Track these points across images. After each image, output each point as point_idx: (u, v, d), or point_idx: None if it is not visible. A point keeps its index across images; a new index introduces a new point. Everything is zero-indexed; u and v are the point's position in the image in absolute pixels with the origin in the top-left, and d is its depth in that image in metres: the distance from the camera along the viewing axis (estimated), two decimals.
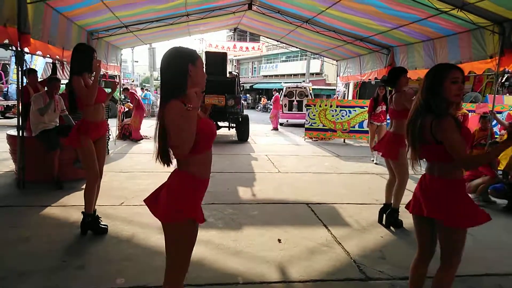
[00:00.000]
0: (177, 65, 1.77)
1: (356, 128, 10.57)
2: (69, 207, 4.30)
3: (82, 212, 3.53)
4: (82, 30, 7.47)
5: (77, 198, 4.62)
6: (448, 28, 6.68)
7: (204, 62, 11.34)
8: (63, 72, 7.11)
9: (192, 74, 1.79)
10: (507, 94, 12.05)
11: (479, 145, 5.53)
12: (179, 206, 1.74)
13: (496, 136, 7.66)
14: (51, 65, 7.84)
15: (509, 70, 7.09)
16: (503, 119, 7.50)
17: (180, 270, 1.84)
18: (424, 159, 2.14)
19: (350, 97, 13.57)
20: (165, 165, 1.81)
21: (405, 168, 3.83)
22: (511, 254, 3.51)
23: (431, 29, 7.04)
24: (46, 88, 5.39)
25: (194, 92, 1.67)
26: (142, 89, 23.07)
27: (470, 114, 8.04)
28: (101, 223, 3.60)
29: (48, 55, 5.92)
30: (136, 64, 39.63)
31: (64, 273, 2.81)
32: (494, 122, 7.31)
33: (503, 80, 12.97)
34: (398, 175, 3.89)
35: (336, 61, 13.49)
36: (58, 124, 5.39)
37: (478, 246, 3.65)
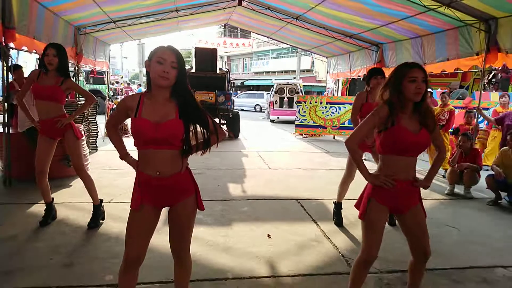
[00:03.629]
0: None
1: (346, 124, 10.65)
2: (56, 204, 4.22)
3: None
4: (69, 25, 7.36)
5: (64, 196, 4.57)
6: (436, 25, 6.77)
7: (194, 59, 11.28)
8: None
9: (148, 70, 1.86)
10: (494, 91, 12.25)
11: (463, 134, 5.63)
12: (132, 196, 1.97)
13: (480, 129, 7.82)
14: (38, 60, 7.71)
15: (496, 67, 7.22)
16: (489, 115, 7.64)
17: (125, 245, 1.93)
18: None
19: (339, 94, 13.67)
20: None
21: None
22: (496, 247, 3.59)
23: (419, 26, 7.12)
24: None
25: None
26: (140, 85, 22.81)
27: (456, 110, 8.17)
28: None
29: (34, 51, 5.81)
30: (125, 60, 39.21)
31: (52, 271, 2.78)
32: (481, 118, 7.45)
33: (490, 77, 13.19)
34: None
35: (326, 58, 13.54)
36: None
37: (463, 240, 3.73)
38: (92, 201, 3.70)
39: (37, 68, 7.90)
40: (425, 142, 2.08)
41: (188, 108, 1.88)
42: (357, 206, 2.24)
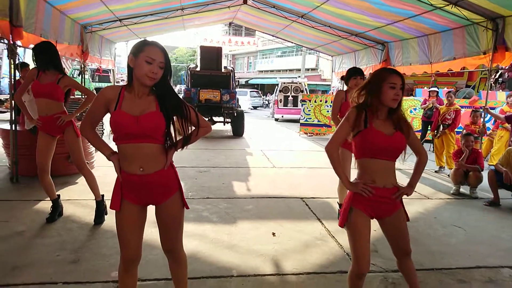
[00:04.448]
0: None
1: None
2: (63, 201, 4.24)
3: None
4: (75, 23, 7.41)
5: (70, 193, 4.61)
6: (443, 24, 6.72)
7: (199, 57, 11.30)
8: None
9: (132, 66, 1.80)
10: (500, 90, 12.15)
11: (467, 134, 5.60)
12: (111, 197, 1.91)
13: (488, 131, 7.76)
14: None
15: (502, 66, 7.16)
16: None
17: (120, 247, 1.93)
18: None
19: None
20: None
21: None
22: (502, 247, 3.56)
23: (425, 25, 7.07)
24: None
25: None
26: None
27: (463, 110, 8.12)
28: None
29: None
30: None
31: (58, 267, 2.81)
32: (488, 117, 7.39)
33: (496, 76, 13.09)
34: None
35: (331, 56, 13.50)
36: None
37: (469, 240, 3.71)
38: (95, 199, 3.73)
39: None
40: (400, 144, 2.03)
41: (167, 101, 1.84)
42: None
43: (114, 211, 1.91)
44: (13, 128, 4.95)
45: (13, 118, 4.97)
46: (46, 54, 3.47)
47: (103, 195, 3.78)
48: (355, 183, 2.06)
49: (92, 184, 3.69)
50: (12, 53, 4.79)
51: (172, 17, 9.41)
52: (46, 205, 4.13)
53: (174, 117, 1.86)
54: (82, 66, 8.19)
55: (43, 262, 2.86)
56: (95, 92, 3.84)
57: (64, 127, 3.55)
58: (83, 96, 7.44)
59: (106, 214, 3.76)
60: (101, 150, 1.95)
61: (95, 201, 3.73)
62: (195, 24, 12.59)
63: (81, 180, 5.17)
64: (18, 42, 4.93)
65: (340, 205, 4.05)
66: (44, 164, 3.57)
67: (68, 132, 3.58)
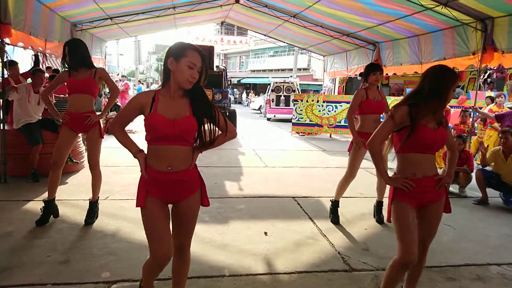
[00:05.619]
0: (164, 58, 1.89)
1: (342, 123, 10.67)
2: None
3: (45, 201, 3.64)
4: (65, 21, 7.32)
5: (60, 193, 4.52)
6: (433, 25, 6.80)
7: None
8: (43, 63, 6.95)
9: (172, 69, 1.84)
10: (489, 90, 12.33)
11: (458, 137, 5.68)
12: (136, 194, 1.93)
13: (476, 131, 7.88)
14: (34, 57, 7.66)
15: (491, 67, 7.27)
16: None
17: (150, 244, 1.93)
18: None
19: (336, 93, 13.69)
20: None
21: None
22: (489, 245, 3.62)
23: (416, 26, 7.15)
24: (30, 80, 5.27)
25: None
26: (140, 81, 22.59)
27: (452, 110, 8.23)
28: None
29: (30, 47, 5.78)
30: (121, 57, 38.93)
31: (48, 268, 2.77)
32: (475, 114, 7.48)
33: (485, 77, 13.27)
34: None
35: (323, 56, 13.57)
36: (41, 118, 5.28)
37: (458, 238, 3.76)
38: (90, 198, 3.70)
39: (32, 65, 7.88)
40: (444, 139, 2.16)
41: (201, 106, 1.91)
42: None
43: (140, 211, 1.94)
44: (1, 128, 4.87)
45: (1, 118, 4.89)
46: (77, 53, 3.44)
47: (53, 198, 3.67)
48: (396, 178, 2.13)
49: (97, 184, 3.68)
50: (0, 51, 4.72)
51: (163, 16, 9.36)
52: (35, 205, 4.08)
53: (205, 120, 1.94)
54: None
55: (33, 263, 2.82)
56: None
57: (91, 126, 3.55)
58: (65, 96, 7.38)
59: (96, 217, 3.72)
60: (128, 148, 1.97)
61: (89, 201, 3.69)
62: (187, 23, 12.54)
63: (71, 180, 5.12)
64: (7, 40, 4.85)
65: (333, 202, 4.02)
66: (59, 160, 3.53)
67: (93, 132, 3.57)
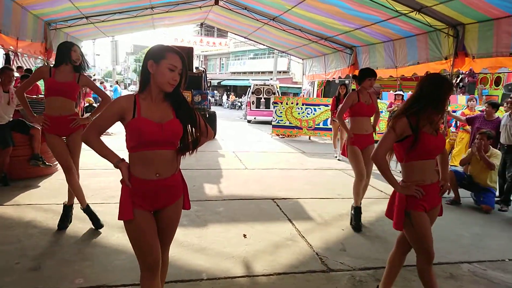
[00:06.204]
0: (143, 60, 1.84)
1: (321, 125, 10.81)
2: (23, 206, 4.08)
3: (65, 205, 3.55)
4: (38, 19, 7.09)
5: (31, 197, 4.39)
6: (407, 30, 6.99)
7: None
8: (12, 63, 6.70)
9: (153, 72, 1.80)
10: (461, 94, 12.78)
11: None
12: (119, 207, 1.82)
13: (452, 131, 8.14)
14: (4, 55, 7.38)
15: (463, 71, 7.54)
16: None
17: (141, 255, 1.85)
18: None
19: (315, 95, 13.85)
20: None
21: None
22: (461, 244, 3.75)
23: (391, 31, 7.33)
24: None
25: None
26: (117, 82, 22.05)
27: None
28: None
29: (0, 45, 5.56)
30: (98, 57, 38.08)
31: (17, 275, 2.66)
32: (451, 120, 7.74)
33: (457, 81, 13.76)
34: None
35: (302, 59, 13.71)
36: (12, 119, 5.07)
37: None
38: (64, 202, 3.58)
39: (3, 63, 7.58)
40: (444, 143, 2.28)
41: (182, 109, 1.89)
42: (388, 215, 2.33)
43: (124, 223, 1.84)
44: None
45: None
46: (61, 51, 3.34)
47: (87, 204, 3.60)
48: (407, 186, 2.19)
49: (80, 189, 3.53)
50: None
51: (141, 16, 9.22)
52: (5, 210, 3.92)
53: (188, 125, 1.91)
54: (46, 64, 7.84)
55: (0, 271, 2.70)
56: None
57: (75, 129, 3.42)
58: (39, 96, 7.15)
59: (70, 222, 3.60)
60: (107, 158, 1.84)
61: (63, 205, 3.57)
62: (165, 23, 12.40)
63: (43, 184, 4.95)
64: None
65: (355, 208, 3.96)
66: (69, 163, 3.37)
67: (78, 134, 3.44)
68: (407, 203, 2.19)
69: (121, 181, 1.82)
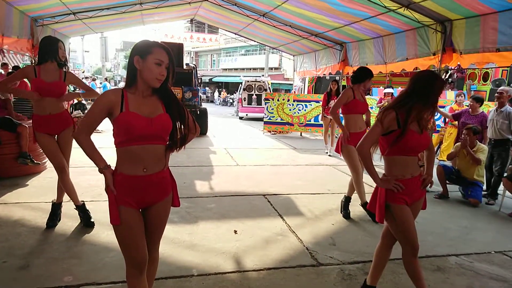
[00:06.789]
0: (129, 57, 1.83)
1: (312, 122, 10.85)
2: (11, 204, 4.03)
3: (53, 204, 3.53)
4: (24, 15, 6.97)
5: (19, 195, 4.34)
6: (396, 26, 7.04)
7: None
8: None
9: (139, 68, 1.79)
10: (450, 90, 12.93)
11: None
12: (109, 210, 1.80)
13: (438, 128, 8.24)
14: None
15: (451, 67, 7.61)
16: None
17: (128, 253, 1.85)
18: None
19: (306, 92, 13.88)
20: None
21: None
22: (449, 237, 3.81)
23: (380, 27, 7.37)
24: None
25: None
26: (106, 79, 21.78)
27: None
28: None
29: None
30: (87, 54, 37.56)
31: (4, 274, 2.64)
32: (437, 115, 7.83)
33: (446, 77, 13.91)
34: None
35: (293, 56, 13.71)
36: None
37: (420, 231, 3.90)
38: (53, 200, 3.55)
39: None
40: (428, 141, 2.31)
41: (172, 103, 1.88)
42: (371, 207, 2.36)
43: (113, 225, 1.84)
44: None
45: None
46: (46, 47, 3.27)
47: (83, 202, 3.61)
48: (386, 180, 2.22)
49: (72, 188, 3.53)
50: None
51: (130, 12, 9.11)
52: None
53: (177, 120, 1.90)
54: (33, 61, 7.71)
55: None
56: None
57: (64, 126, 3.40)
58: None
59: (59, 220, 3.57)
60: (95, 161, 1.82)
61: (52, 203, 3.54)
62: (155, 19, 12.28)
63: (32, 182, 4.89)
64: None
65: (364, 205, 4.06)
66: (62, 163, 3.35)
67: (68, 131, 3.40)
68: (387, 196, 2.22)
69: (106, 190, 1.82)
